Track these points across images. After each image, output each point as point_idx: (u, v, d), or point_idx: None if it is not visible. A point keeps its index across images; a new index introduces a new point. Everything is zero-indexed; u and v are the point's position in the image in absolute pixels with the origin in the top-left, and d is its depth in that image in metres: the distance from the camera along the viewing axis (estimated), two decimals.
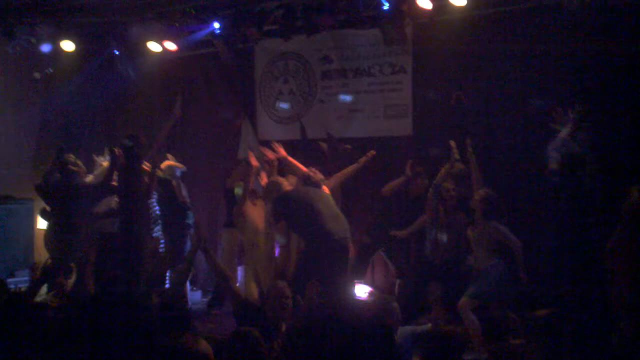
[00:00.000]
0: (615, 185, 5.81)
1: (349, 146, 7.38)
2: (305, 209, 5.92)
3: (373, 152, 6.83)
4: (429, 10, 6.86)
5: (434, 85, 7.36)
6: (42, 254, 8.19)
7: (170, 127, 7.68)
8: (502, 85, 6.98)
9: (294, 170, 6.63)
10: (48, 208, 6.84)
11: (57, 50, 8.52)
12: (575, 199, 5.61)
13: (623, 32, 6.16)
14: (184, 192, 7.65)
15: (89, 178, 7.20)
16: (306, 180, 6.30)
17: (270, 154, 6.76)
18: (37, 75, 9.09)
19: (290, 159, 6.70)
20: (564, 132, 5.77)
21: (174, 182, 7.53)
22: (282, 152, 6.72)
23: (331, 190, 6.46)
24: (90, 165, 7.47)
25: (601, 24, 6.27)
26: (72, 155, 7.01)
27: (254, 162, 6.82)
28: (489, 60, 6.99)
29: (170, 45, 8.24)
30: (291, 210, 6.02)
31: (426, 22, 7.19)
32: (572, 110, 5.80)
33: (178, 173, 7.59)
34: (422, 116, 7.43)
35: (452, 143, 6.24)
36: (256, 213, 6.88)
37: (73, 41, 8.44)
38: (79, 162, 7.03)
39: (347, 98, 7.87)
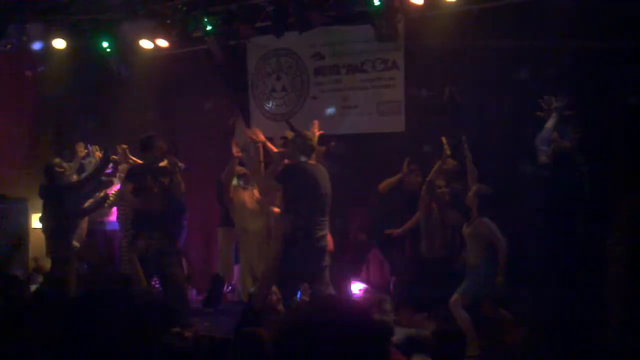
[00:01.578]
0: (604, 181, 5.84)
1: (333, 143, 7.30)
2: (307, 189, 5.81)
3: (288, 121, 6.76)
4: (420, 6, 6.84)
5: (427, 81, 7.34)
6: (36, 253, 8.21)
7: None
8: (494, 80, 6.97)
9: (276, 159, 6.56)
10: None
11: (49, 49, 8.47)
12: (564, 193, 5.62)
13: (613, 26, 6.15)
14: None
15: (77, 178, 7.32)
16: None
17: (251, 135, 6.66)
18: (29, 73, 9.05)
19: (271, 146, 6.53)
20: (550, 123, 5.76)
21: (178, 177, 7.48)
22: (262, 137, 6.58)
23: None
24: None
25: (591, 18, 6.26)
26: (57, 160, 7.08)
27: (236, 152, 7.01)
28: (481, 55, 6.97)
29: (162, 43, 8.20)
30: (295, 184, 5.88)
31: (418, 18, 7.17)
32: (556, 100, 5.79)
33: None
34: (415, 112, 7.41)
35: (444, 140, 6.23)
36: (246, 197, 7.04)
37: (64, 39, 8.38)
38: (64, 164, 7.08)
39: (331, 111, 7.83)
